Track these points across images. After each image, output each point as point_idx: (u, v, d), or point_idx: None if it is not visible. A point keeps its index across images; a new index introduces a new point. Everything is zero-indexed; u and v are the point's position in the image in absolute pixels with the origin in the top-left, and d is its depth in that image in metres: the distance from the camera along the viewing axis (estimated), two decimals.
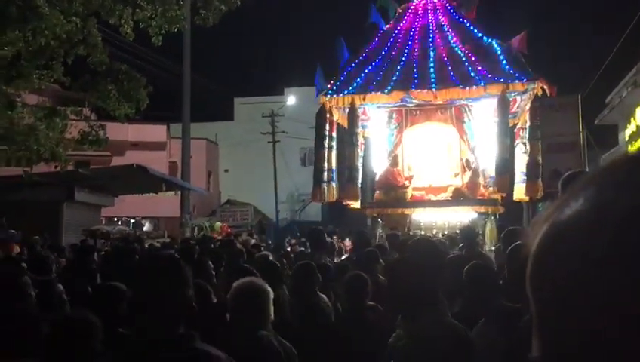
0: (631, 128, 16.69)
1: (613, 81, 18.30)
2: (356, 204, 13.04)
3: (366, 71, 12.95)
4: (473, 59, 12.42)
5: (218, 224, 23.64)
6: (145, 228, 27.59)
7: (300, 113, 30.74)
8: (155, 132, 29.75)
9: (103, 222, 20.49)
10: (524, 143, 12.35)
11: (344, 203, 13.04)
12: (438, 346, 2.54)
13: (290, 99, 34.35)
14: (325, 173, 12.64)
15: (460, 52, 12.69)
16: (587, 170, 11.93)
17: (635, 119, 16.05)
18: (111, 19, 10.47)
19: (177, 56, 22.56)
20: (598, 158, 18.90)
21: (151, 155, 26.61)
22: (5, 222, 12.01)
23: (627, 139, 17.48)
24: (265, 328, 2.93)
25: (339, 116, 13.28)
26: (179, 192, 23.92)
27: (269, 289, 3.02)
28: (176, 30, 11.13)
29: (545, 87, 11.84)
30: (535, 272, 0.38)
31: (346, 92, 12.71)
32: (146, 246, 11.31)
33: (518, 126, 13.06)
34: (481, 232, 11.97)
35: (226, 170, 35.44)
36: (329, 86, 13.00)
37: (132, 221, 27.65)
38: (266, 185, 31.05)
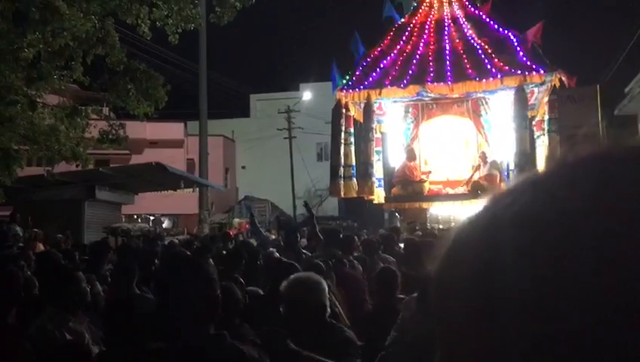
0: None
1: (632, 70, 18.07)
2: (378, 198, 13.07)
3: (381, 65, 12.92)
4: (489, 51, 12.33)
5: (236, 220, 23.81)
6: (164, 225, 27.87)
7: (315, 109, 30.79)
8: (173, 130, 30.00)
9: (123, 220, 20.75)
10: (544, 136, 12.26)
11: (366, 198, 13.06)
12: None
13: (306, 95, 34.42)
14: (342, 169, 12.67)
15: (475, 45, 12.61)
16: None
17: None
18: (128, 19, 10.59)
19: (194, 55, 22.74)
20: None
21: (169, 153, 26.85)
22: (30, 221, 12.22)
23: None
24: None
25: (355, 111, 13.29)
26: (197, 189, 24.12)
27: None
28: (192, 28, 11.22)
29: (563, 78, 11.74)
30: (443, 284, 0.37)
31: (361, 87, 12.70)
32: (166, 243, 11.45)
33: (537, 118, 12.96)
34: None
35: (243, 167, 35.62)
36: (344, 81, 13.02)
37: (151, 218, 27.93)
38: (282, 181, 31.16)
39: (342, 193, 12.84)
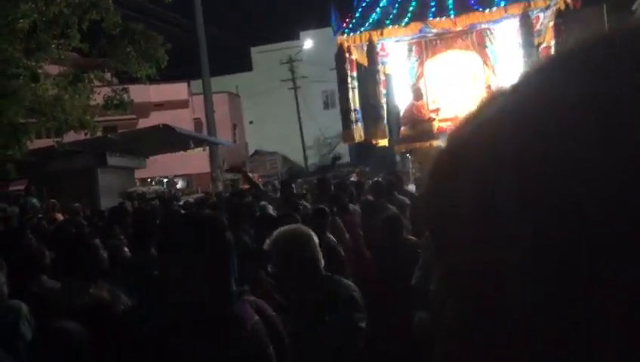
0: None
1: None
2: (384, 142, 13.01)
3: (381, 5, 12.64)
4: None
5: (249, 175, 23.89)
6: (178, 186, 28.10)
7: (318, 56, 30.36)
8: (177, 90, 29.83)
9: (138, 184, 20.94)
10: None
11: (372, 141, 13.02)
12: None
13: (307, 43, 33.88)
14: (352, 114, 12.60)
15: None
16: None
17: None
18: None
19: (190, 12, 22.34)
20: None
21: (175, 114, 26.79)
22: (45, 193, 12.38)
23: None
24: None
25: (357, 55, 13.09)
26: (207, 148, 24.17)
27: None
28: None
29: (568, 0, 11.42)
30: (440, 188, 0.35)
31: (362, 29, 12.47)
32: (181, 202, 11.56)
33: (543, 45, 12.69)
34: None
35: (251, 122, 35.52)
36: (345, 25, 12.78)
37: (165, 180, 28.16)
38: (291, 132, 31.10)
39: (355, 138, 12.80)
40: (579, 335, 0.29)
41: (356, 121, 12.62)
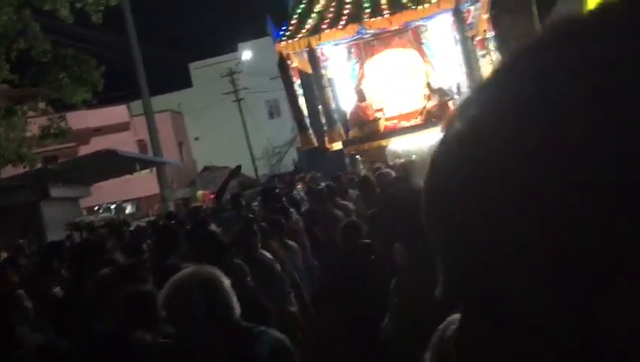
0: None
1: None
2: (338, 145, 13.04)
3: (316, 10, 12.69)
4: None
5: (200, 192, 23.58)
6: (127, 211, 27.40)
7: (258, 66, 30.26)
8: (116, 113, 29.13)
9: (85, 213, 20.28)
10: (489, 54, 12.34)
11: (328, 146, 13.01)
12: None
13: (246, 54, 33.75)
14: (307, 120, 12.62)
15: None
16: None
17: (588, 7, 16.08)
18: (45, 6, 10.05)
19: (123, 33, 21.85)
20: None
21: (116, 138, 26.14)
22: None
23: None
24: None
25: (298, 61, 13.09)
26: (154, 169, 23.67)
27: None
28: (115, 4, 10.75)
29: None
30: (435, 193, 0.34)
31: (300, 35, 12.48)
32: (133, 228, 11.24)
33: (478, 38, 12.99)
34: None
35: (197, 138, 35.03)
36: (282, 32, 12.75)
37: (113, 206, 27.41)
38: (239, 145, 30.84)
39: (314, 143, 12.79)
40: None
41: (309, 127, 12.63)
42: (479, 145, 0.31)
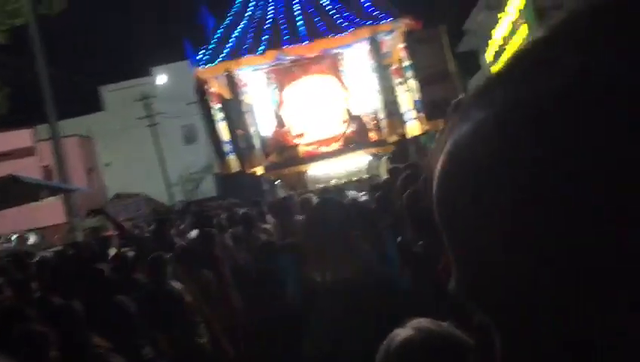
0: (491, 50, 17.76)
1: (468, 7, 19.26)
2: (260, 170, 12.96)
3: (235, 35, 12.68)
4: (338, 6, 12.55)
5: None
6: (30, 242, 25.75)
7: (173, 91, 29.71)
8: (20, 138, 27.54)
9: None
10: (405, 82, 12.78)
11: (248, 171, 12.91)
12: (362, 288, 2.59)
13: (161, 79, 33.04)
14: (225, 145, 12.46)
15: (323, 2, 12.78)
16: (462, 96, 12.61)
17: (494, 41, 17.07)
18: None
19: (31, 54, 20.77)
20: (467, 84, 20.11)
21: (20, 164, 24.64)
22: None
23: (489, 61, 18.61)
24: None
25: (217, 86, 12.97)
26: (61, 197, 22.44)
27: None
28: (20, 24, 10.20)
29: (410, 23, 12.21)
30: (445, 191, 0.35)
31: (218, 60, 12.40)
32: (37, 259, 10.52)
33: (394, 66, 13.42)
34: (377, 174, 12.37)
35: (107, 164, 33.68)
36: (200, 57, 12.61)
37: (14, 237, 25.68)
38: (153, 171, 29.95)
39: (230, 169, 12.63)
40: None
41: (229, 153, 12.49)
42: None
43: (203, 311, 4.72)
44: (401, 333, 1.17)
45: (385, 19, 12.15)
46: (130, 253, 6.55)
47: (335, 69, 13.40)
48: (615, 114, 0.28)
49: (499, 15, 15.69)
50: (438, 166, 0.35)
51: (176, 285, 4.57)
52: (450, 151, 0.34)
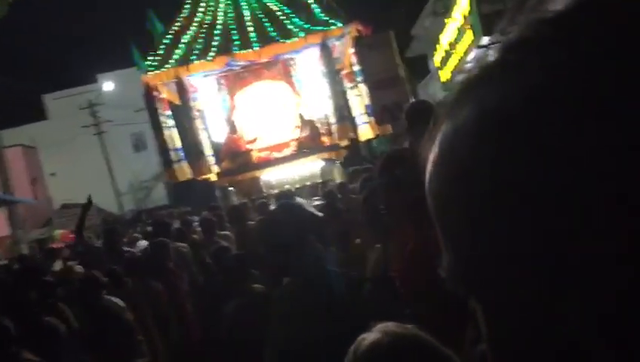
0: (439, 55, 18.12)
1: (415, 13, 19.62)
2: (213, 177, 12.80)
3: (184, 41, 12.52)
4: (288, 11, 12.56)
5: (58, 231, 21.87)
6: None
7: (121, 98, 29.07)
8: None
9: None
10: (356, 86, 12.89)
11: (199, 178, 12.73)
12: (320, 291, 2.58)
13: (107, 85, 32.26)
14: (173, 153, 12.24)
15: (273, 7, 12.77)
16: (412, 100, 12.82)
17: (441, 46, 17.43)
18: None
19: None
20: (416, 88, 20.46)
21: None
22: None
23: (437, 66, 19.00)
24: None
25: (166, 93, 12.77)
26: (4, 208, 21.59)
27: None
28: None
29: (360, 28, 12.34)
30: (435, 182, 0.38)
31: (167, 66, 12.21)
32: None
33: (345, 71, 13.53)
34: (330, 178, 12.42)
35: (53, 174, 32.63)
36: (148, 63, 12.39)
37: None
38: (102, 180, 29.18)
39: (179, 177, 12.41)
40: None
41: (179, 160, 12.28)
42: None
43: (149, 327, 4.58)
44: (368, 337, 1.18)
45: (335, 24, 12.25)
46: (78, 267, 6.38)
47: (287, 75, 13.40)
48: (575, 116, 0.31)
49: (445, 20, 16.04)
50: (430, 160, 0.38)
51: (116, 301, 4.38)
52: (439, 147, 0.37)
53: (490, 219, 0.33)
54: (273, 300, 2.84)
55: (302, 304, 2.58)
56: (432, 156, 0.38)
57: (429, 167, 0.38)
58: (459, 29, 14.68)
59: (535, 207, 0.32)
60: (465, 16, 13.63)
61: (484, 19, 12.49)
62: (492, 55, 0.36)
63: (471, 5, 12.84)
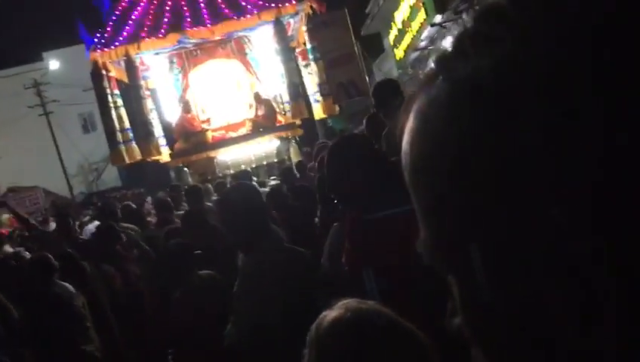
0: (393, 33, 18.18)
1: None
2: (166, 157, 12.53)
3: (133, 17, 12.14)
4: None
5: (5, 216, 21.14)
6: None
7: (68, 77, 28.09)
8: None
9: None
10: (309, 65, 12.80)
11: (150, 159, 12.45)
12: (281, 268, 2.59)
13: (53, 64, 31.13)
14: (120, 134, 11.87)
15: None
16: (367, 78, 12.84)
17: (395, 24, 17.48)
18: None
19: None
20: (371, 66, 20.51)
21: None
22: None
23: (391, 44, 19.07)
24: None
25: (115, 71, 12.40)
26: None
27: None
28: None
29: (314, 5, 12.22)
30: (411, 151, 0.39)
31: (117, 43, 11.83)
32: None
33: (299, 49, 13.41)
34: (286, 157, 12.38)
35: None
36: (97, 40, 11.98)
37: None
38: (50, 162, 28.29)
39: (126, 159, 12.06)
40: None
41: (124, 142, 11.94)
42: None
43: (104, 312, 4.49)
44: (330, 314, 1.19)
45: (289, 1, 12.09)
46: (25, 253, 6.19)
47: (241, 53, 13.19)
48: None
49: None
50: (406, 133, 0.39)
51: (67, 286, 4.25)
52: (414, 121, 0.38)
53: (465, 187, 0.35)
54: (239, 276, 2.83)
55: (266, 280, 2.59)
56: (407, 130, 0.39)
57: (404, 142, 0.39)
58: (412, 7, 14.74)
59: (506, 170, 0.33)
60: None
61: None
62: (463, 28, 0.37)
63: None
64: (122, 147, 11.87)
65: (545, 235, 0.32)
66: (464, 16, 12.23)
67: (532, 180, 0.32)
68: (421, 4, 13.60)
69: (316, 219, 4.18)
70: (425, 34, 14.47)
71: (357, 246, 2.23)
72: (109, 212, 6.21)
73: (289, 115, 12.61)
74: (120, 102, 12.09)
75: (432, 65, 0.39)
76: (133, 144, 11.96)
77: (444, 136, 0.36)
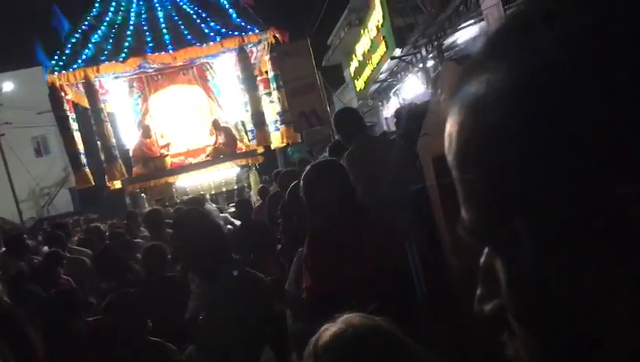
0: (354, 65, 18.51)
1: (331, 23, 19.95)
2: (118, 183, 12.27)
3: (93, 40, 12.01)
4: (204, 15, 12.37)
5: None
6: None
7: (22, 99, 27.37)
8: None
9: None
10: (270, 93, 12.85)
11: (108, 184, 12.18)
12: (243, 294, 2.57)
13: (7, 85, 30.31)
14: (83, 156, 11.73)
15: (189, 10, 12.53)
16: (328, 108, 12.96)
17: (356, 56, 17.81)
18: None
19: None
20: (332, 97, 20.75)
21: None
22: None
23: (352, 75, 19.39)
24: None
25: (72, 94, 12.18)
26: None
27: None
28: None
29: (277, 35, 12.34)
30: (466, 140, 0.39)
31: (75, 66, 11.65)
32: None
33: (260, 78, 13.47)
34: (246, 185, 12.31)
35: None
36: (55, 62, 11.77)
37: None
38: (0, 185, 27.30)
39: (92, 181, 11.87)
40: None
41: (86, 165, 11.76)
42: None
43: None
44: (331, 328, 1.18)
45: (252, 30, 12.18)
46: None
47: (202, 79, 13.16)
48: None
49: (360, 31, 16.41)
50: (454, 118, 0.39)
51: None
52: (466, 108, 0.38)
53: (527, 162, 0.35)
54: (202, 303, 2.77)
55: (232, 307, 2.55)
56: (456, 114, 0.39)
57: (451, 126, 0.39)
58: (372, 40, 15.06)
59: (577, 146, 0.33)
60: (378, 28, 14.01)
61: (396, 31, 12.89)
62: (529, 15, 0.37)
63: (384, 17, 13.22)
64: (86, 169, 11.73)
65: (609, 212, 0.32)
66: (422, 51, 12.57)
67: (601, 158, 0.32)
68: (382, 38, 13.91)
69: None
70: (385, 66, 14.77)
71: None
72: (55, 238, 5.96)
73: (253, 142, 12.60)
74: (76, 125, 11.88)
75: (481, 48, 0.39)
76: (86, 169, 11.82)
77: (504, 125, 0.35)
